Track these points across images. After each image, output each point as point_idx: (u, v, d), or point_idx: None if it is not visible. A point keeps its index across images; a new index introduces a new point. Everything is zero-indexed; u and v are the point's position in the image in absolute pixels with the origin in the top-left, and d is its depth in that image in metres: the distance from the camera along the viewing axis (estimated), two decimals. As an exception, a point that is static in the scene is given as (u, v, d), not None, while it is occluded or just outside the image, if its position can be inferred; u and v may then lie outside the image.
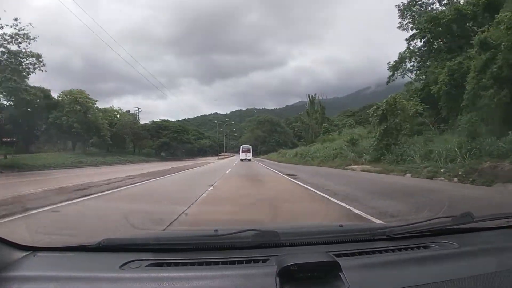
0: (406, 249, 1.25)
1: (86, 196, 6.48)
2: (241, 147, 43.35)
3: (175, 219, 3.94)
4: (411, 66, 25.12)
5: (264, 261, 1.10)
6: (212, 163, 30.48)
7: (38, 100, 26.75)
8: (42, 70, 23.30)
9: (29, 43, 21.27)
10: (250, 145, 48.27)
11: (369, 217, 4.40)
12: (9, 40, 20.56)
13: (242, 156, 39.00)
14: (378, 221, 4.11)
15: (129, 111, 50.19)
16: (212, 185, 8.92)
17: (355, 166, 16.55)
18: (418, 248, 1.27)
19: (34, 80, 25.45)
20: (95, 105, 33.89)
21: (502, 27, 11.49)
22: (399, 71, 24.99)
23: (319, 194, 7.08)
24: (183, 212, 4.48)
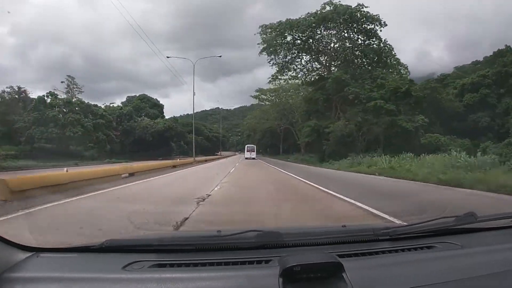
0: (409, 249, 1.25)
1: None
2: (246, 146, 46.95)
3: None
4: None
5: (267, 261, 1.10)
6: None
7: None
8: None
9: None
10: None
11: None
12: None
13: (247, 154, 42.38)
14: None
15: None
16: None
17: None
18: (422, 248, 1.27)
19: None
20: None
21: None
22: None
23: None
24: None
